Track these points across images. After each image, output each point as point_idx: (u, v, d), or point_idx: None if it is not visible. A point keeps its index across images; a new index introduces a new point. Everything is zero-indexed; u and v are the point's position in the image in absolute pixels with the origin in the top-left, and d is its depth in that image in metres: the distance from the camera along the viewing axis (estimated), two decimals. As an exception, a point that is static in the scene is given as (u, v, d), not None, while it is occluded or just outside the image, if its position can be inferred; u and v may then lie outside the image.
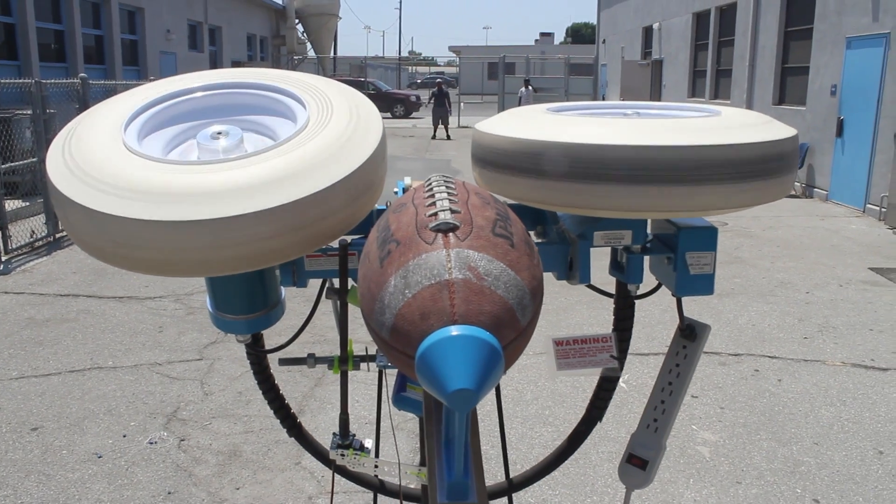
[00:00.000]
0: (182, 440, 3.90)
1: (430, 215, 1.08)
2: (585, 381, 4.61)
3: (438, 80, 25.70)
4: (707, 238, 1.53)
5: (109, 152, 1.31)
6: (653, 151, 1.27)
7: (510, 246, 1.06)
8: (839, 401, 4.40)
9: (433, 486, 1.15)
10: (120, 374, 4.74)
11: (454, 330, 0.94)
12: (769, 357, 5.07)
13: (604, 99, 28.18)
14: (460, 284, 0.98)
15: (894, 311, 6.07)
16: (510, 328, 1.00)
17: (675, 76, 20.35)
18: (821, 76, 12.03)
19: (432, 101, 23.11)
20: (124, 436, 3.94)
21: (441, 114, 22.46)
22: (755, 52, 14.87)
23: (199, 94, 1.55)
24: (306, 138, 1.34)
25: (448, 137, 21.93)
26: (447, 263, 1.00)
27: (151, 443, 3.87)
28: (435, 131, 22.48)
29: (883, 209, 9.79)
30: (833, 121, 11.32)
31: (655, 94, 21.89)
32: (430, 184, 1.20)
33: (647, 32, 23.31)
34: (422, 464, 1.77)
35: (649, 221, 1.58)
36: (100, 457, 3.72)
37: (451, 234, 1.04)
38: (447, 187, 1.16)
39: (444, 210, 1.08)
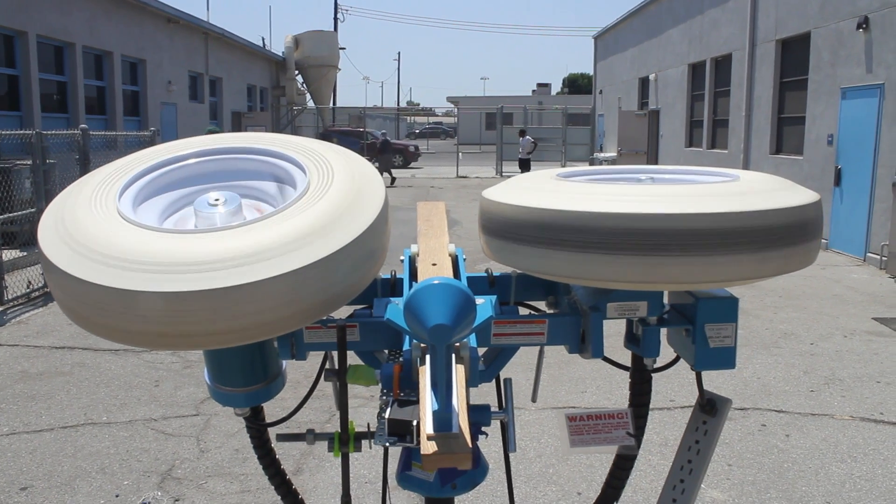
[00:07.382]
0: (177, 500, 3.79)
1: None
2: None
3: (382, 132, 27.52)
4: (727, 309, 1.47)
5: (102, 219, 1.27)
6: (668, 220, 1.21)
7: None
8: (850, 457, 4.29)
9: (424, 427, 1.22)
10: (114, 430, 4.64)
11: (434, 280, 1.14)
12: (776, 411, 4.98)
13: (601, 149, 28.39)
14: None
15: (900, 362, 5.99)
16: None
17: (672, 126, 20.53)
18: (817, 126, 12.12)
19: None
20: (117, 496, 3.83)
21: (385, 161, 23.64)
22: (751, 103, 15.02)
23: (195, 160, 1.51)
24: (305, 205, 1.29)
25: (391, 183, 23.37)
26: None
27: (145, 503, 3.76)
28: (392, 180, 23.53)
29: (884, 258, 9.76)
30: (831, 170, 11.38)
31: (653, 143, 22.07)
32: None
33: (644, 83, 23.60)
34: None
35: (666, 291, 1.53)
36: (91, 519, 3.61)
37: None
38: None
39: None
